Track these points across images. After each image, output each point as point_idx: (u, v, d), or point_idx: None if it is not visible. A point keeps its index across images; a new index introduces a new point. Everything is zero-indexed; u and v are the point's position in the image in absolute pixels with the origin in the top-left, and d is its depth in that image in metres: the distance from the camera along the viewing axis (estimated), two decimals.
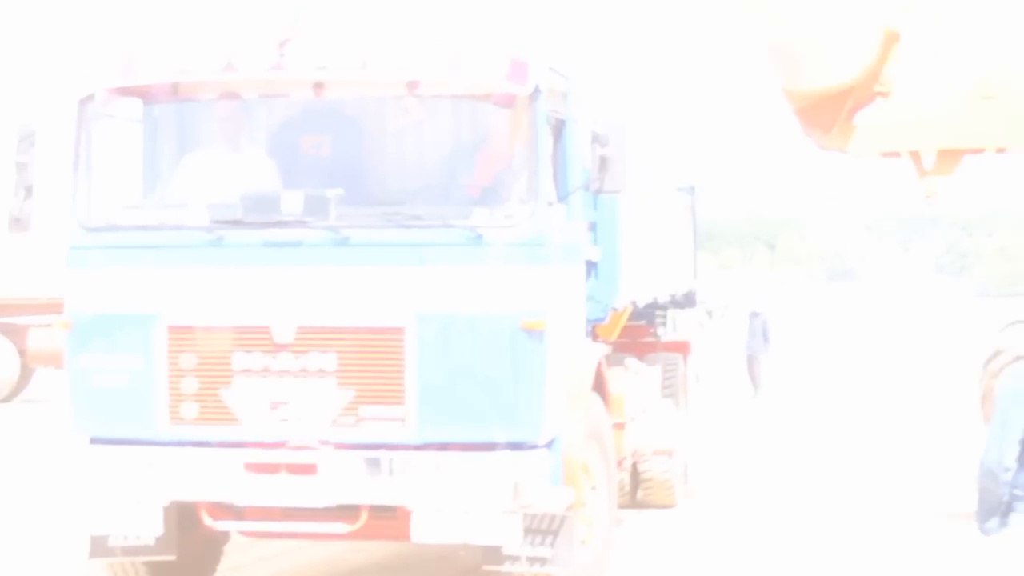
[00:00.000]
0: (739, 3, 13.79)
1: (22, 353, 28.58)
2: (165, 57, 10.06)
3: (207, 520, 9.99)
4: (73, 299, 10.23)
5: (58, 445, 10.16)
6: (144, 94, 10.58)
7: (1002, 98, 14.28)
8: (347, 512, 9.70)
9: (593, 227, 11.68)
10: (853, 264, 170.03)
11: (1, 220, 10.30)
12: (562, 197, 10.18)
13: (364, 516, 9.70)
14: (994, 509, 6.83)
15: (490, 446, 9.50)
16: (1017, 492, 6.76)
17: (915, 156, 14.65)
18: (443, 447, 9.51)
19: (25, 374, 29.21)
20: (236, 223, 9.88)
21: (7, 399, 28.63)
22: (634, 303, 13.27)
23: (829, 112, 14.25)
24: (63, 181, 10.21)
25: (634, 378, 12.97)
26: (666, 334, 16.08)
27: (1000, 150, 15.07)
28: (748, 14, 13.71)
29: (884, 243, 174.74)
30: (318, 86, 10.19)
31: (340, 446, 9.58)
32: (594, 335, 11.84)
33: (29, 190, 10.17)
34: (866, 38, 13.93)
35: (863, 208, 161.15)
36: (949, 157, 14.69)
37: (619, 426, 11.81)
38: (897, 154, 14.75)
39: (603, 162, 9.96)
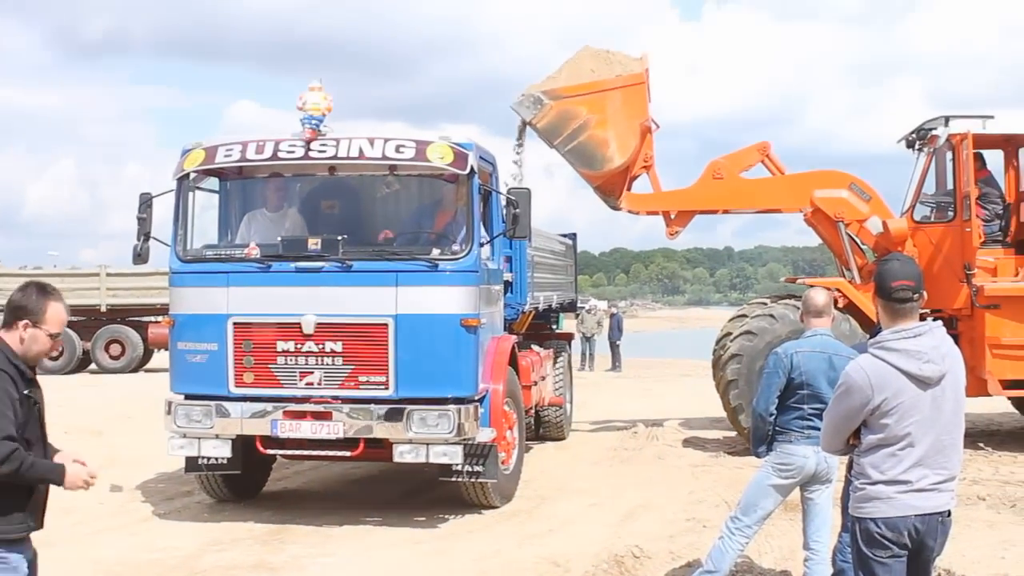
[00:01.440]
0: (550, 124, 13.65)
1: (144, 340, 28.46)
2: (233, 151, 9.98)
3: (260, 448, 9.97)
4: (174, 306, 10.18)
5: (166, 399, 10.06)
6: (219, 174, 10.51)
7: (726, 179, 14.55)
8: (351, 443, 9.70)
9: (510, 260, 11.74)
10: (679, 284, 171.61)
11: (129, 255, 10.31)
12: (489, 240, 10.21)
13: (362, 445, 9.71)
14: (762, 440, 6.96)
15: (443, 400, 9.50)
16: (777, 429, 6.89)
17: (665, 213, 14.81)
18: (413, 401, 9.49)
19: (146, 354, 29.09)
20: (278, 257, 9.83)
21: (135, 370, 28.41)
22: (536, 308, 13.29)
23: (616, 185, 14.31)
24: (167, 230, 10.23)
25: (536, 357, 12.97)
26: (557, 329, 16.15)
27: (726, 211, 15.31)
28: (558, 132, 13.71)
29: (697, 270, 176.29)
30: (332, 169, 10.19)
31: (346, 401, 9.56)
32: (510, 329, 11.83)
33: (147, 236, 10.15)
34: (630, 133, 13.90)
35: (684, 245, 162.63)
36: (687, 215, 14.91)
37: (527, 387, 11.80)
38: (656, 212, 14.87)
39: (515, 218, 10.00)
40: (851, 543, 4.78)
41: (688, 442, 14.83)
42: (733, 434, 14.49)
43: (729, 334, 13.84)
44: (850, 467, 4.86)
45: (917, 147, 14.44)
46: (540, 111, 13.39)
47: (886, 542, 4.57)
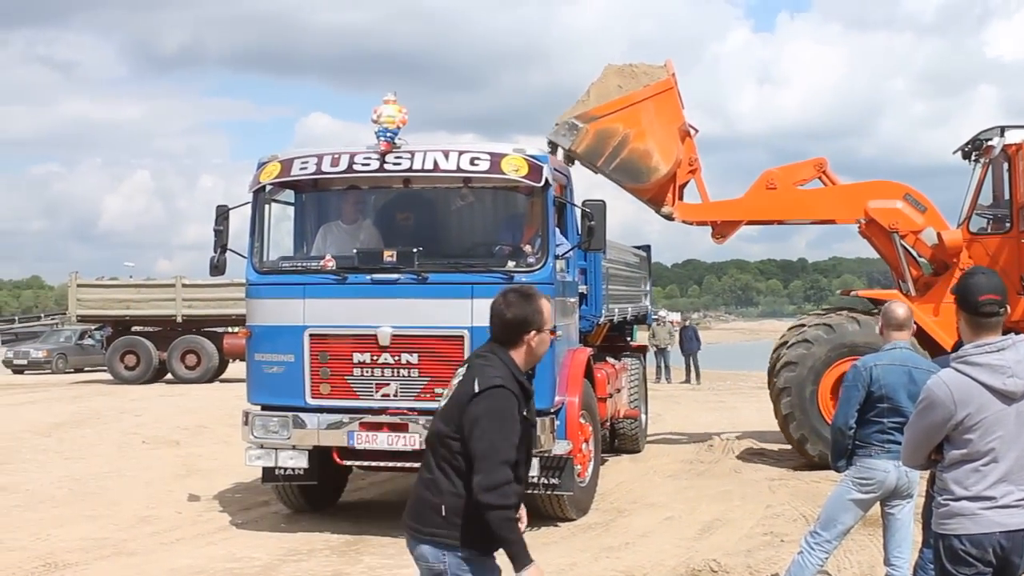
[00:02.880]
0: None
1: (220, 350, 28.88)
2: (309, 163, 10.06)
3: (337, 459, 10.06)
4: (251, 317, 10.32)
5: (243, 410, 10.24)
6: (295, 186, 10.65)
7: (779, 189, 14.48)
8: None
9: (585, 272, 11.77)
10: (752, 295, 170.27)
11: (204, 266, 10.48)
12: (564, 253, 10.24)
13: None
14: (842, 454, 6.92)
15: None
16: (857, 443, 6.85)
17: (713, 223, 14.79)
18: None
19: (222, 364, 29.52)
20: (353, 269, 9.93)
21: (211, 380, 28.88)
22: (611, 320, 13.32)
23: (666, 194, 14.21)
24: (243, 242, 10.38)
25: (611, 369, 12.98)
26: (631, 341, 16.15)
27: (779, 222, 15.30)
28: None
29: (771, 281, 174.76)
30: (406, 181, 10.27)
31: (422, 413, 9.59)
32: (585, 341, 11.85)
33: (223, 248, 10.30)
34: (671, 140, 13.86)
35: (757, 257, 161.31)
36: (736, 224, 14.93)
37: (602, 400, 11.81)
38: (706, 223, 14.83)
39: (590, 230, 10.03)
40: (934, 560, 4.74)
41: (764, 455, 14.75)
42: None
43: (785, 342, 13.90)
44: (932, 482, 4.83)
45: (973, 158, 14.31)
46: (577, 137, 13.36)
47: (970, 559, 4.53)
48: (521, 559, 4.35)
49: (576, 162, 13.53)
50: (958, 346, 4.78)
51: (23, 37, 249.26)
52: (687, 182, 14.52)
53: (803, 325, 14.00)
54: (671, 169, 13.87)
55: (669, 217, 14.43)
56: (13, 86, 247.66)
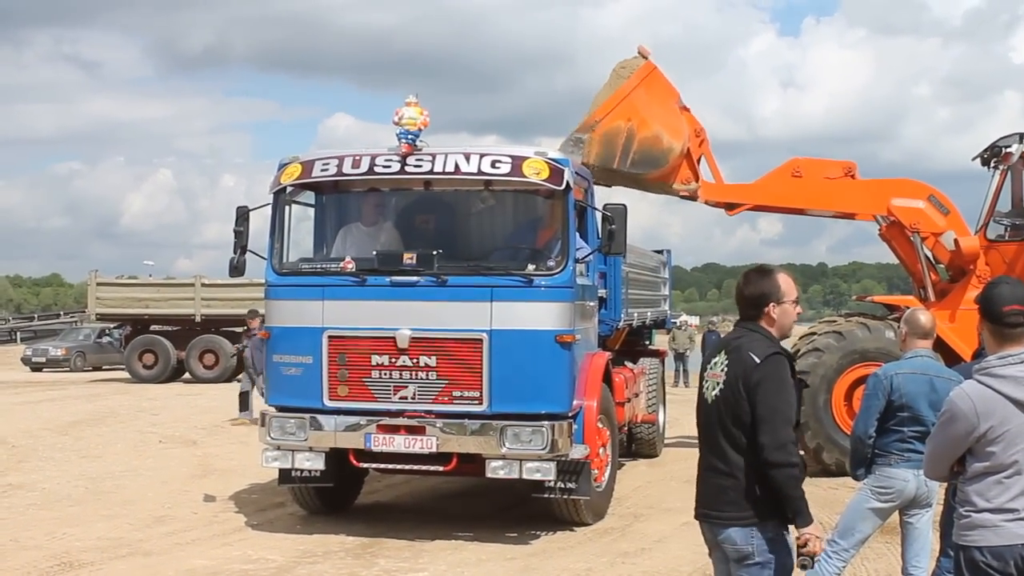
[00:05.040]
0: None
1: (239, 350, 28.95)
2: (329, 165, 10.06)
3: (354, 461, 10.08)
4: (270, 318, 10.37)
5: (260, 411, 10.30)
6: (315, 188, 10.66)
7: (805, 177, 14.47)
8: (444, 458, 9.76)
9: (604, 276, 11.76)
10: None
11: (223, 266, 10.52)
12: (583, 257, 10.21)
13: (455, 460, 9.77)
14: (861, 463, 6.91)
15: (536, 416, 9.53)
16: (877, 451, 6.83)
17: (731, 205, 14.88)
18: (506, 416, 9.53)
19: (239, 364, 29.55)
20: (373, 271, 9.94)
21: (228, 380, 28.93)
22: (630, 324, 13.31)
23: (684, 171, 14.08)
24: (263, 242, 10.39)
25: (630, 373, 12.96)
26: (650, 345, 16.13)
27: (800, 211, 15.25)
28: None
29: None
30: (427, 184, 10.30)
31: (439, 416, 9.64)
32: (604, 345, 11.84)
33: (243, 249, 10.34)
34: (673, 116, 13.85)
35: (777, 261, 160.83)
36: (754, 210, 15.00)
37: (620, 404, 11.78)
38: (722, 205, 14.83)
39: (610, 234, 10.02)
40: (955, 572, 4.72)
41: None
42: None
43: (797, 351, 13.78)
44: (952, 491, 4.81)
45: (992, 164, 14.27)
46: (585, 148, 13.30)
47: (991, 571, 4.51)
48: (804, 517, 4.71)
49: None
50: (978, 352, 4.76)
51: (50, 36, 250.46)
52: (700, 157, 14.49)
53: (814, 334, 13.91)
54: (684, 144, 13.82)
55: (692, 196, 14.38)
56: (38, 85, 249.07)
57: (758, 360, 4.72)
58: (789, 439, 4.68)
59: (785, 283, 4.91)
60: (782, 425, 4.67)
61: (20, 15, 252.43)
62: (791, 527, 4.80)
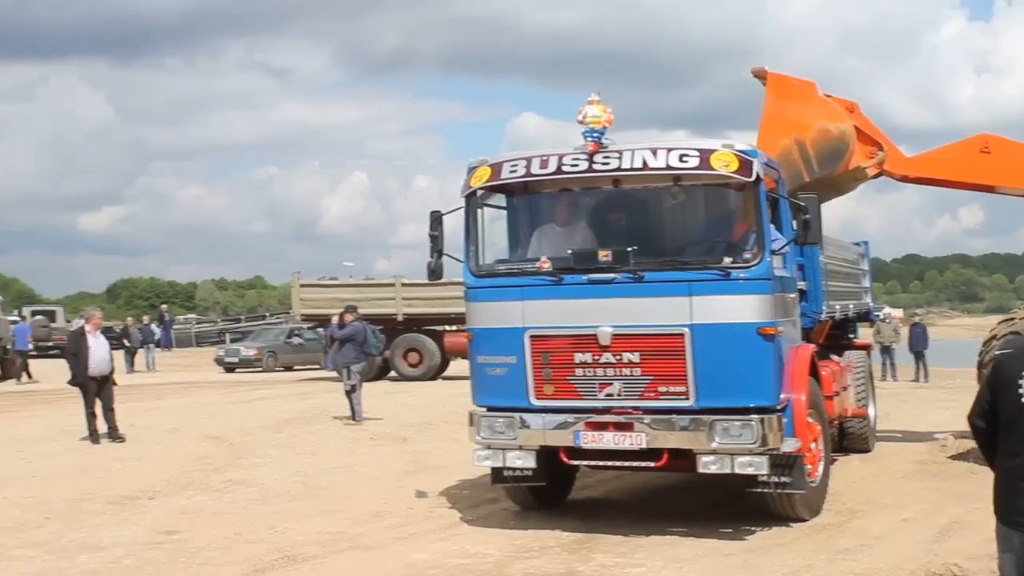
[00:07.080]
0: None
1: (441, 348, 29.60)
2: (518, 167, 10.13)
3: (565, 459, 10.18)
4: (471, 320, 10.50)
5: (469, 411, 10.47)
6: (507, 190, 10.70)
7: (994, 153, 13.98)
8: (655, 454, 9.75)
9: (803, 268, 11.55)
10: (976, 290, 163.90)
11: (421, 266, 10.77)
12: (780, 248, 10.07)
13: (666, 456, 9.75)
14: None
15: (744, 410, 9.43)
16: None
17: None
18: (714, 411, 9.47)
19: (444, 362, 30.23)
20: (569, 269, 9.97)
21: (433, 377, 29.65)
22: (832, 317, 13.04)
23: (864, 146, 13.91)
24: (457, 243, 10.57)
25: (836, 367, 12.70)
26: (855, 338, 15.76)
27: (988, 188, 14.78)
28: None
29: (995, 276, 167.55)
30: (616, 181, 10.19)
31: (647, 412, 9.63)
32: (808, 338, 11.59)
33: (440, 253, 10.55)
34: (819, 105, 13.74)
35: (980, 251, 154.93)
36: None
37: (829, 398, 11.56)
38: (909, 178, 14.62)
39: (805, 224, 9.84)
40: None
41: None
42: None
43: (995, 335, 13.29)
44: None
45: None
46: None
47: None
48: None
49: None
50: None
51: (243, 45, 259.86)
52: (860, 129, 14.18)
53: (1012, 318, 13.53)
54: (849, 122, 13.65)
55: (881, 167, 14.04)
56: (234, 93, 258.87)
57: None
58: None
59: None
60: None
61: (215, 26, 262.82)
62: None
